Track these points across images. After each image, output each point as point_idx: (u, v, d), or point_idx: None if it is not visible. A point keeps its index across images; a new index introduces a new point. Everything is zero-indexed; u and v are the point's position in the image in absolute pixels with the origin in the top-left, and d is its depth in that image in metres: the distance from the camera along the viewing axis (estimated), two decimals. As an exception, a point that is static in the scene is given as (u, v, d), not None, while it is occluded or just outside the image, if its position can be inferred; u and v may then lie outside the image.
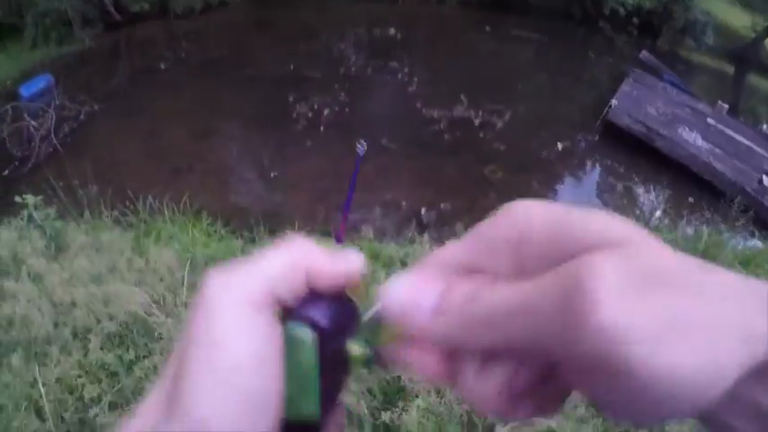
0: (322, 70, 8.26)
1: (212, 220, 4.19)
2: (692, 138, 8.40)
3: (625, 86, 9.53)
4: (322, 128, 6.53)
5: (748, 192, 7.13)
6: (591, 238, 0.20)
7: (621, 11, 16.15)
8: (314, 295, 0.28)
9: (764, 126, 14.85)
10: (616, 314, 0.17)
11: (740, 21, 23.92)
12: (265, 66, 8.29)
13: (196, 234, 3.77)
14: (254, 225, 4.03)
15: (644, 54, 13.74)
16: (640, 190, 7.20)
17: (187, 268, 2.88)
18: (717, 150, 8.28)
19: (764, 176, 7.72)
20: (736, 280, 0.20)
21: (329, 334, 0.27)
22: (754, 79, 21.05)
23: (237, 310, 0.25)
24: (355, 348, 0.29)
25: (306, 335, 0.27)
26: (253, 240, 3.90)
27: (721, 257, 4.44)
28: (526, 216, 0.23)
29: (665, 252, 0.20)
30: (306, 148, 6.10)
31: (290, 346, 0.27)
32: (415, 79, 8.69)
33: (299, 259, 0.27)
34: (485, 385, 0.24)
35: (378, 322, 0.28)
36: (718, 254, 4.56)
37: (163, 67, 8.03)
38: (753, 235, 5.79)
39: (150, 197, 4.04)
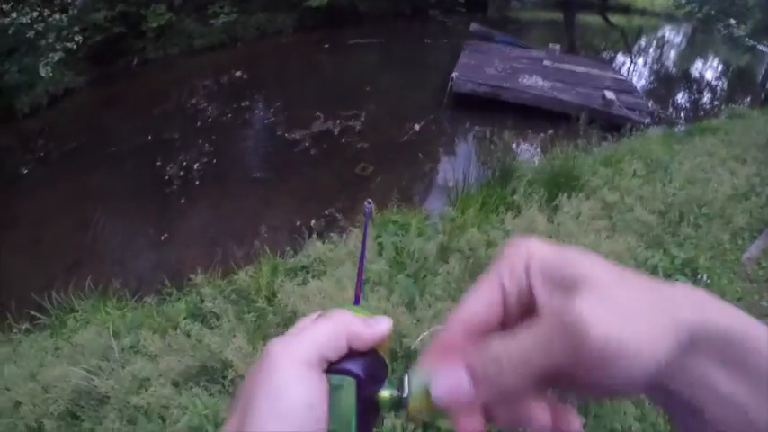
0: (180, 129, 8.44)
1: (120, 295, 4.38)
2: (533, 81, 9.41)
3: (462, 59, 10.43)
4: (197, 182, 6.77)
5: (596, 108, 8.18)
6: (577, 279, 0.30)
7: (446, -5, 17.24)
8: (352, 352, 0.36)
9: (603, 54, 16.62)
10: (603, 329, 0.27)
11: (559, -29, 26.29)
12: (125, 141, 8.31)
13: (109, 310, 3.98)
14: (160, 288, 4.28)
15: (473, 26, 14.77)
16: (509, 140, 7.91)
17: (111, 335, 3.15)
18: (558, 84, 9.36)
19: (605, 92, 8.80)
20: (664, 285, 0.31)
21: (364, 382, 0.36)
22: (583, 19, 23.24)
23: (294, 366, 0.33)
24: (385, 393, 0.36)
25: (347, 383, 0.35)
26: (164, 300, 4.12)
27: (584, 166, 5.22)
28: (529, 256, 0.33)
29: (624, 284, 0.30)
30: (187, 204, 6.31)
31: (335, 393, 0.34)
32: (271, 110, 9.12)
33: (341, 328, 0.36)
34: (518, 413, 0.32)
35: (425, 392, 0.33)
36: (581, 163, 5.28)
37: (25, 171, 7.87)
38: (605, 139, 6.98)
39: (54, 294, 4.18)
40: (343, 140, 7.55)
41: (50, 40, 10.10)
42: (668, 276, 3.41)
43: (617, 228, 4.03)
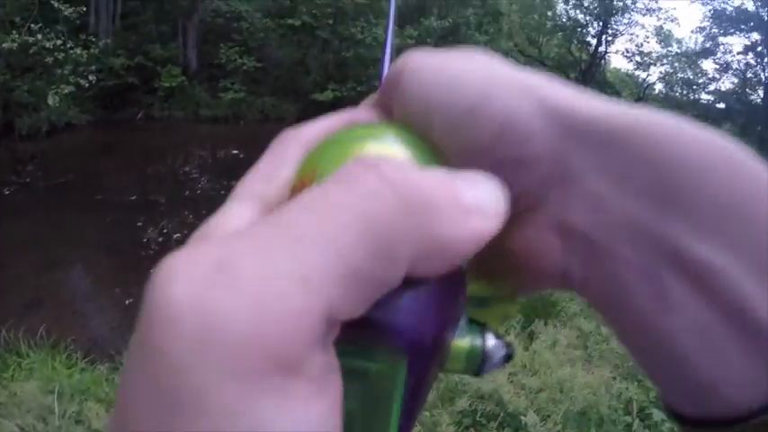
0: (168, 194, 8.46)
1: (71, 351, 4.33)
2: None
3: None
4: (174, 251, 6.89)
5: None
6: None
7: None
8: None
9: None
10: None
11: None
12: (113, 191, 8.26)
13: (56, 366, 3.94)
14: (114, 355, 4.27)
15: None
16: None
17: (56, 395, 3.13)
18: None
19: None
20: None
21: (425, 352, 0.15)
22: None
23: (241, 391, 0.10)
24: (463, 342, 0.17)
25: (386, 368, 0.14)
26: (116, 369, 4.10)
27: (562, 293, 5.09)
28: None
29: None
30: (160, 271, 6.40)
31: (357, 384, 0.14)
32: (261, 193, 9.38)
33: (395, 223, 0.12)
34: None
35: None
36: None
37: (7, 192, 7.77)
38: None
39: (4, 331, 4.12)
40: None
41: (66, 72, 10.32)
42: (643, 410, 3.37)
43: (592, 358, 3.96)
